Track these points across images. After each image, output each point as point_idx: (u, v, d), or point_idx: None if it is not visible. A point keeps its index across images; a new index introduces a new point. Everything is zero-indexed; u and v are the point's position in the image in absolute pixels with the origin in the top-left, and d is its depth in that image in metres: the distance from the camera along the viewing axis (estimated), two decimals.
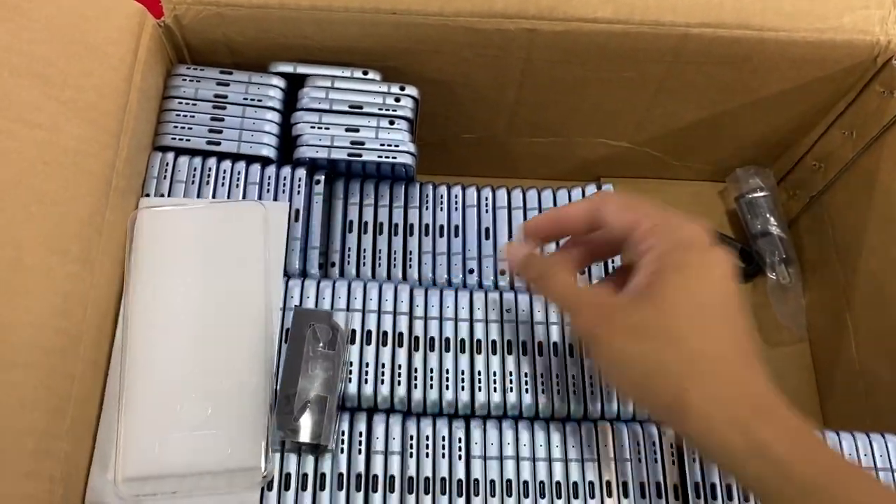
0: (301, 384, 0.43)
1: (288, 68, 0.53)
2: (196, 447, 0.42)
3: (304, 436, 0.42)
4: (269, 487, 0.43)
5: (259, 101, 0.51)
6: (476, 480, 0.44)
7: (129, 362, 0.44)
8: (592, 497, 0.44)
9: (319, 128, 0.51)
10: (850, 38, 0.52)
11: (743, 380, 0.35)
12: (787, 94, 0.57)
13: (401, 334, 0.46)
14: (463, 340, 0.47)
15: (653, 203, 0.38)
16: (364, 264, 0.50)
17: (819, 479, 0.32)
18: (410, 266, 0.51)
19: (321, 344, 0.44)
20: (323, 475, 0.43)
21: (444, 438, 0.45)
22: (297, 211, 0.50)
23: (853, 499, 0.31)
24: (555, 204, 0.52)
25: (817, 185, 0.64)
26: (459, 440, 0.45)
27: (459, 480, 0.44)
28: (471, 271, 0.51)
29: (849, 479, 0.32)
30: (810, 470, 0.32)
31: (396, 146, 0.50)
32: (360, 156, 0.50)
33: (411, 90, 0.52)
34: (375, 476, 0.43)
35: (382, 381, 0.45)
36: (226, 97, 0.52)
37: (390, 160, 0.50)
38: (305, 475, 0.43)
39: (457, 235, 0.51)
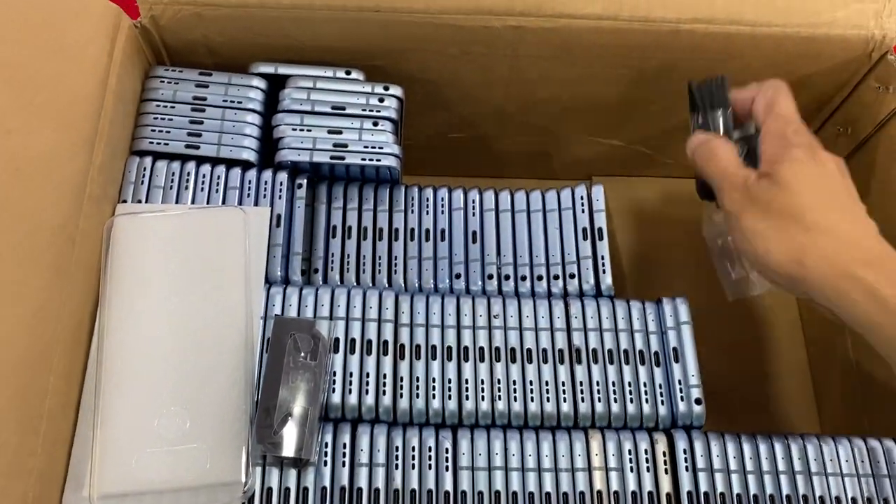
0: (281, 396, 0.42)
1: (269, 69, 0.51)
2: (174, 462, 0.41)
3: (285, 450, 0.41)
4: (251, 503, 0.41)
5: (239, 102, 0.50)
6: (464, 492, 0.43)
7: (104, 375, 0.43)
8: None
9: (301, 130, 0.49)
10: (844, 33, 0.51)
11: (853, 239, 0.41)
12: None
13: (385, 342, 0.45)
14: (450, 347, 0.46)
15: (785, 106, 0.46)
16: (348, 270, 0.49)
17: None
18: (396, 272, 0.49)
19: (302, 354, 0.43)
20: (305, 489, 0.42)
21: (430, 449, 0.43)
22: (279, 216, 0.48)
23: None
24: (543, 206, 0.51)
25: None
26: (446, 450, 0.44)
27: (447, 492, 0.43)
28: (458, 276, 0.49)
29: None
30: None
31: (381, 148, 0.49)
32: (343, 158, 0.49)
33: (396, 90, 0.51)
34: (360, 489, 0.42)
35: (367, 391, 0.44)
36: (205, 99, 0.50)
37: (374, 163, 0.49)
38: (288, 489, 0.42)
39: (443, 239, 0.50)
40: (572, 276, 0.49)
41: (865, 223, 0.42)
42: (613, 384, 0.46)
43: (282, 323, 0.44)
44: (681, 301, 0.48)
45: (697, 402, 0.45)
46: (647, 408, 0.45)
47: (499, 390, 0.45)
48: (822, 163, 0.43)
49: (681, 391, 0.45)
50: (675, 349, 0.46)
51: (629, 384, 0.46)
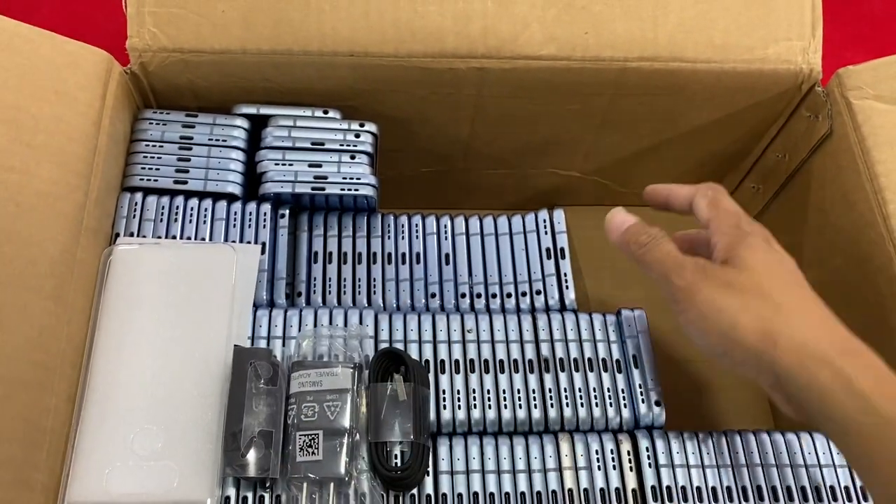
0: (246, 421, 0.44)
1: (251, 110, 0.55)
2: (144, 477, 0.43)
3: (252, 471, 0.44)
4: None
5: (224, 141, 0.54)
6: (444, 495, 0.46)
7: (89, 392, 0.45)
8: None
9: (283, 164, 0.53)
10: (775, 68, 0.56)
11: (828, 325, 0.39)
12: (723, 121, 0.61)
13: (367, 356, 0.48)
14: (427, 361, 0.49)
15: (730, 203, 0.46)
16: (330, 293, 0.52)
17: None
18: (375, 293, 0.53)
19: (262, 381, 0.46)
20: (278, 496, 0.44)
21: None
22: (264, 244, 0.52)
23: None
24: (510, 229, 0.55)
25: (757, 207, 0.68)
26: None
27: (428, 495, 0.46)
28: (433, 296, 0.53)
29: None
30: (891, 405, 0.35)
31: (358, 179, 0.53)
32: (323, 189, 0.52)
33: (371, 126, 0.55)
34: (346, 494, 0.45)
35: None
36: (191, 139, 0.54)
37: (352, 192, 0.52)
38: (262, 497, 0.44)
39: (418, 262, 0.54)
40: (538, 293, 0.53)
41: (830, 312, 0.40)
42: (580, 390, 0.49)
43: (241, 352, 0.47)
44: (638, 312, 0.52)
45: (657, 403, 0.49)
46: (611, 411, 0.49)
47: (474, 399, 0.48)
48: (779, 251, 0.43)
49: (641, 395, 0.49)
50: (634, 356, 0.50)
51: (594, 390, 0.49)
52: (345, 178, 0.53)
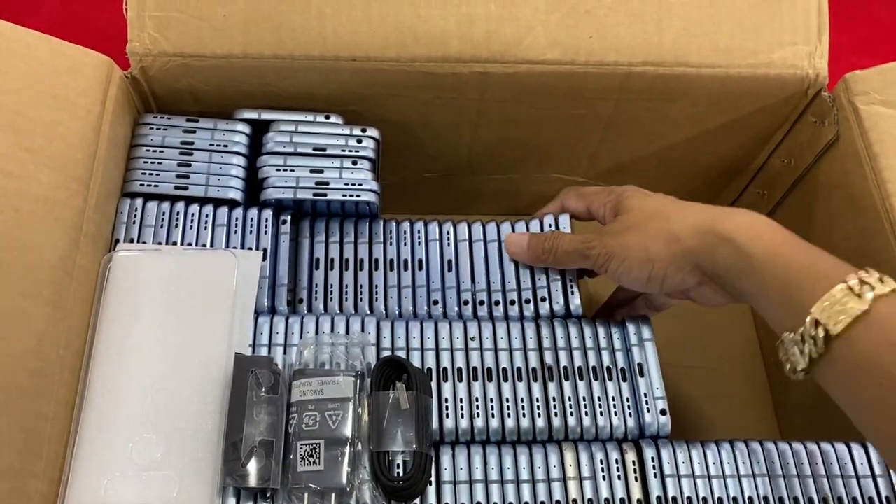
0: (246, 430, 0.44)
1: (252, 115, 0.55)
2: (144, 487, 0.43)
3: (252, 481, 0.43)
4: None
5: (225, 146, 0.53)
6: None
7: (87, 399, 0.45)
8: None
9: (285, 170, 0.53)
10: (781, 73, 0.56)
11: (706, 208, 0.47)
12: (728, 126, 0.61)
13: (369, 364, 0.48)
14: (430, 369, 0.49)
15: (590, 188, 0.55)
16: (331, 299, 0.52)
17: (777, 248, 0.42)
18: (377, 300, 0.52)
19: (263, 389, 0.45)
20: None
21: None
22: (265, 250, 0.51)
23: (800, 261, 0.41)
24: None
25: (763, 212, 0.66)
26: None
27: None
28: (435, 302, 0.52)
29: (796, 249, 0.42)
30: (762, 249, 0.42)
31: (360, 185, 0.52)
32: (325, 195, 0.52)
33: (373, 131, 0.55)
34: None
35: None
36: (192, 143, 0.53)
37: (354, 198, 0.52)
38: None
39: (421, 269, 0.53)
40: (543, 300, 0.52)
41: (704, 204, 0.48)
42: (584, 399, 0.48)
43: (242, 360, 0.46)
44: (643, 321, 0.51)
45: (663, 412, 0.48)
46: (616, 420, 0.48)
47: (477, 408, 0.48)
48: (650, 192, 0.51)
49: (647, 403, 0.48)
50: (639, 365, 0.49)
51: (598, 399, 0.49)
52: (347, 184, 0.52)
